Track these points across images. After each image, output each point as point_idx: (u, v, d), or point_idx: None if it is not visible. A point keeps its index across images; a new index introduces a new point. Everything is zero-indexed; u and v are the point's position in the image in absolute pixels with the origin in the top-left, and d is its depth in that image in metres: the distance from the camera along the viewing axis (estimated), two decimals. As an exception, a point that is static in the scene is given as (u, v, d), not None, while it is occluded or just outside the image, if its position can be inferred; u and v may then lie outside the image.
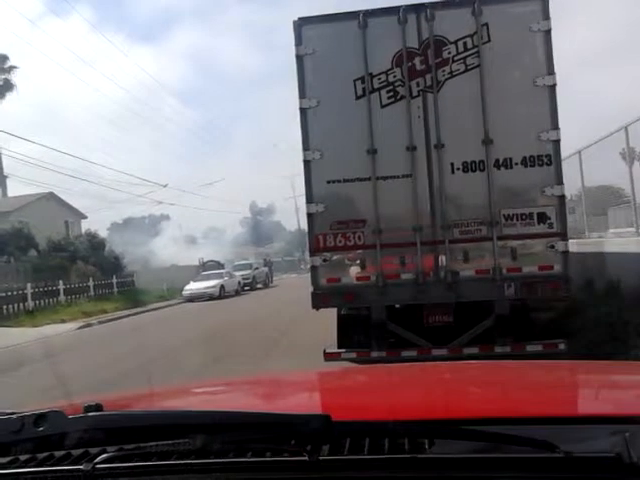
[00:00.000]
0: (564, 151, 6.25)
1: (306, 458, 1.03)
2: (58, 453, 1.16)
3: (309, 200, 6.15)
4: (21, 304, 21.84)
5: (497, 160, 5.83)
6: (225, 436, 1.05)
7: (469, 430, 1.07)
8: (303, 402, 1.79)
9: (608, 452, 0.98)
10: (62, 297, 24.16)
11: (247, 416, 1.10)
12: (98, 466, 1.09)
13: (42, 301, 22.96)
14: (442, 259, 5.95)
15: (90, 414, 1.09)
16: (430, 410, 1.38)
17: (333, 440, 1.07)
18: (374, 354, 6.10)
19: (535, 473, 1.00)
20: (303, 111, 6.09)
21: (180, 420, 1.10)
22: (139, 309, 23.84)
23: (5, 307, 20.76)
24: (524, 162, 5.79)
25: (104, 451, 1.12)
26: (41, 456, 1.16)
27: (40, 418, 1.06)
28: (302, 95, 6.09)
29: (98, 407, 1.14)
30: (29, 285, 22.42)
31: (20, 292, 22.07)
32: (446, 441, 1.06)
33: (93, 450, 1.14)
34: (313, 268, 6.21)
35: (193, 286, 28.33)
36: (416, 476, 1.03)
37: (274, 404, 1.77)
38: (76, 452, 1.15)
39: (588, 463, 0.98)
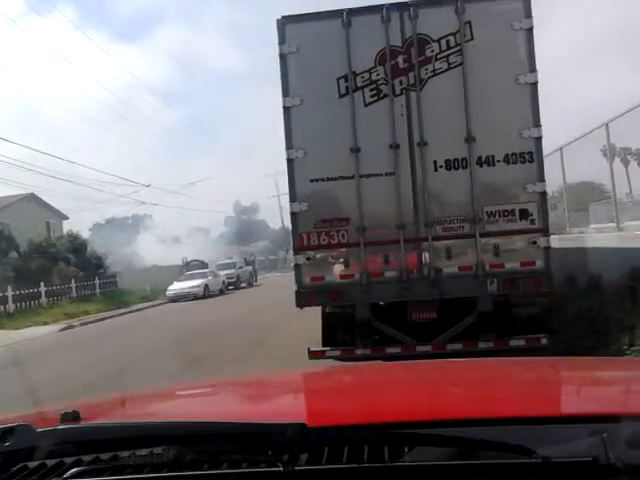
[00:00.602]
0: (546, 148, 6.31)
1: (281, 469, 1.01)
2: (32, 464, 1.13)
3: (293, 199, 6.14)
4: (1, 306, 21.56)
5: (479, 157, 5.87)
6: (199, 447, 1.03)
7: (447, 436, 1.06)
8: (281, 407, 1.77)
9: (586, 456, 0.97)
10: (44, 299, 23.91)
11: (220, 426, 1.08)
12: None
13: (23, 303, 22.70)
14: (425, 256, 5.98)
15: (59, 427, 1.07)
16: (408, 413, 1.37)
17: (309, 449, 1.05)
18: (358, 351, 6.11)
19: (514, 479, 1.00)
20: (286, 109, 6.08)
21: (152, 432, 1.08)
22: (122, 310, 23.67)
23: (-15, 310, 20.50)
24: (506, 159, 5.84)
25: (78, 462, 1.10)
26: (14, 469, 1.12)
27: (7, 433, 1.03)
28: (285, 93, 6.07)
29: (74, 414, 1.11)
30: (9, 287, 22.13)
31: (0, 294, 21.78)
32: (425, 448, 1.05)
33: (68, 460, 1.11)
34: (297, 267, 6.20)
35: (177, 286, 28.15)
36: None
37: (251, 410, 1.74)
38: (50, 462, 1.12)
39: (566, 468, 0.98)
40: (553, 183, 11.34)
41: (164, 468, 1.05)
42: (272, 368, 6.95)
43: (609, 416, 1.08)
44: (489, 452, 1.01)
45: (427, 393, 1.74)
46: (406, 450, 1.06)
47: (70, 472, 1.07)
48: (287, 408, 1.78)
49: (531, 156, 5.81)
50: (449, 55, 5.91)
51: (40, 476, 1.11)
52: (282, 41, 6.06)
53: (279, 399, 1.95)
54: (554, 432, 1.10)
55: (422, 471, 1.02)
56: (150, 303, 27.06)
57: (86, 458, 1.10)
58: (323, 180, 6.07)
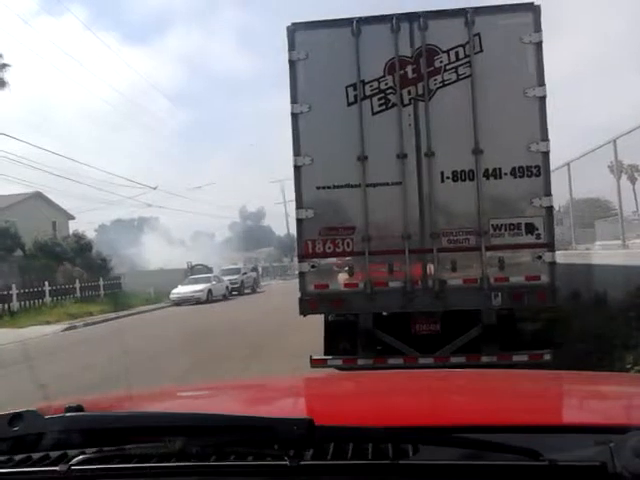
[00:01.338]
0: (553, 162, 6.28)
1: (287, 463, 1.01)
2: (36, 455, 1.13)
3: (299, 206, 6.13)
4: (5, 305, 21.62)
5: (487, 170, 5.85)
6: (205, 439, 1.03)
7: (453, 437, 1.06)
8: (287, 406, 1.78)
9: (593, 461, 0.97)
10: (47, 298, 23.97)
11: (227, 419, 1.08)
12: (74, 467, 1.07)
13: (27, 302, 22.77)
14: (430, 267, 5.95)
15: (67, 414, 1.07)
16: (415, 417, 1.37)
17: (315, 445, 1.05)
18: (361, 361, 6.08)
19: None
20: (294, 116, 6.08)
21: (159, 422, 1.08)
22: (125, 312, 23.67)
23: (-11, 307, 20.57)
24: (513, 172, 5.82)
25: (82, 453, 1.10)
26: (18, 457, 1.13)
27: (15, 418, 1.03)
28: (294, 100, 6.08)
29: (79, 408, 1.11)
30: (14, 286, 22.20)
31: (5, 293, 21.84)
32: (430, 447, 1.05)
33: (72, 452, 1.11)
34: (301, 274, 6.17)
35: (181, 290, 28.22)
36: None
37: (257, 408, 1.75)
38: (54, 454, 1.13)
39: (573, 471, 0.98)
40: (560, 198, 11.31)
41: (170, 458, 1.05)
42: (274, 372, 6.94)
43: (615, 427, 1.07)
44: (495, 454, 1.01)
45: (434, 400, 1.74)
46: (411, 449, 1.05)
47: (77, 459, 1.07)
48: (294, 407, 1.79)
49: (538, 170, 5.79)
50: (458, 66, 5.90)
51: (46, 464, 1.11)
52: (292, 48, 6.07)
53: (286, 399, 1.97)
54: (561, 440, 1.09)
55: (427, 470, 1.02)
56: (153, 306, 27.08)
57: (92, 448, 1.10)
58: (330, 188, 6.05)
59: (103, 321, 20.78)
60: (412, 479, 1.02)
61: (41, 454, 1.13)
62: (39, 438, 1.05)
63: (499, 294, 5.84)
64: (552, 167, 6.23)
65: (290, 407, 1.77)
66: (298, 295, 6.17)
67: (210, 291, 28.35)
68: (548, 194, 5.83)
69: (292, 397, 2.00)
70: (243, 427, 1.05)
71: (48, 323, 19.56)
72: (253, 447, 1.06)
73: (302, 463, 1.02)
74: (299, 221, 6.15)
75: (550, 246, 5.86)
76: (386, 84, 5.98)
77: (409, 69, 5.97)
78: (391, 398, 1.74)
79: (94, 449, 1.10)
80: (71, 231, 33.81)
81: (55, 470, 1.07)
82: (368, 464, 1.03)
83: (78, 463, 1.07)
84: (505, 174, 5.82)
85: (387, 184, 5.98)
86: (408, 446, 1.06)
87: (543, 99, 5.80)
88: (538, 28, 5.79)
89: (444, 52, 5.91)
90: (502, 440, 1.02)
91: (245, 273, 35.70)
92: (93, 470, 1.08)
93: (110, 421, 1.09)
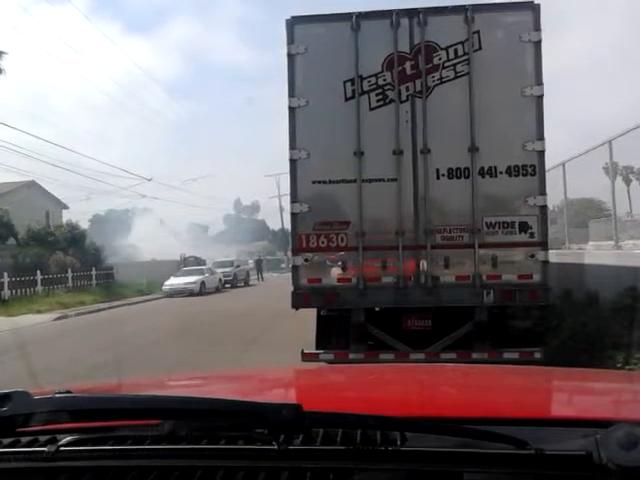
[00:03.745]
0: (548, 162, 6.30)
1: (275, 447, 1.02)
2: (25, 439, 1.13)
3: (294, 199, 6.13)
4: (-3, 293, 21.55)
5: (482, 168, 5.87)
6: (194, 422, 1.03)
7: (441, 425, 1.07)
8: (277, 394, 1.78)
9: (579, 451, 0.98)
10: (39, 287, 23.87)
11: (215, 403, 1.08)
12: (62, 448, 1.07)
13: (19, 291, 22.68)
14: (423, 264, 5.97)
15: (57, 395, 1.06)
16: (405, 408, 1.38)
17: (304, 430, 1.06)
18: (352, 356, 6.10)
19: (506, 469, 1.00)
20: (292, 110, 6.07)
21: (149, 404, 1.07)
22: (117, 302, 23.61)
23: (-20, 296, 20.49)
24: (508, 171, 5.84)
25: (72, 435, 1.10)
26: (7, 441, 1.12)
27: (4, 398, 1.02)
28: (291, 94, 6.07)
29: (68, 392, 1.11)
30: (6, 274, 22.11)
31: (-3, 280, 21.76)
32: (418, 435, 1.05)
33: (61, 436, 1.11)
34: (294, 268, 6.19)
35: (173, 281, 28.16)
36: (388, 468, 1.02)
37: (247, 395, 1.76)
38: (44, 437, 1.12)
39: (559, 460, 0.99)
40: (554, 198, 11.35)
41: (160, 441, 1.05)
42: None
43: (602, 421, 1.08)
44: (482, 443, 1.01)
45: (424, 392, 1.75)
46: (399, 437, 1.06)
47: (65, 440, 1.07)
48: (284, 394, 1.80)
49: (533, 169, 5.81)
50: (456, 64, 5.90)
51: (35, 446, 1.10)
52: (290, 41, 6.06)
53: (276, 387, 1.97)
54: (548, 432, 1.10)
55: (415, 457, 1.03)
56: (146, 297, 27.00)
57: (81, 429, 1.10)
58: (325, 182, 6.06)
59: (95, 311, 20.72)
60: (400, 465, 1.02)
61: (30, 438, 1.12)
62: (27, 419, 1.03)
63: (491, 291, 5.87)
64: (547, 166, 6.25)
65: (280, 395, 1.78)
66: (291, 289, 6.18)
67: (203, 283, 28.31)
68: (543, 193, 5.86)
69: (282, 386, 2.01)
70: (231, 411, 1.05)
71: (40, 312, 19.48)
72: (240, 431, 1.06)
73: (291, 448, 1.03)
74: (294, 215, 6.16)
75: (543, 245, 5.89)
76: (384, 80, 5.98)
77: (407, 65, 5.97)
78: (381, 389, 1.75)
79: (82, 430, 1.09)
80: (64, 221, 33.67)
81: (44, 451, 1.07)
82: (356, 450, 1.03)
83: (67, 444, 1.07)
84: (500, 172, 5.84)
85: (382, 180, 5.99)
86: (396, 434, 1.06)
87: (540, 98, 5.81)
88: (537, 27, 5.80)
89: (443, 49, 5.92)
90: (490, 431, 1.03)
91: (238, 266, 35.64)
92: (82, 451, 1.07)
93: (99, 402, 1.09)
